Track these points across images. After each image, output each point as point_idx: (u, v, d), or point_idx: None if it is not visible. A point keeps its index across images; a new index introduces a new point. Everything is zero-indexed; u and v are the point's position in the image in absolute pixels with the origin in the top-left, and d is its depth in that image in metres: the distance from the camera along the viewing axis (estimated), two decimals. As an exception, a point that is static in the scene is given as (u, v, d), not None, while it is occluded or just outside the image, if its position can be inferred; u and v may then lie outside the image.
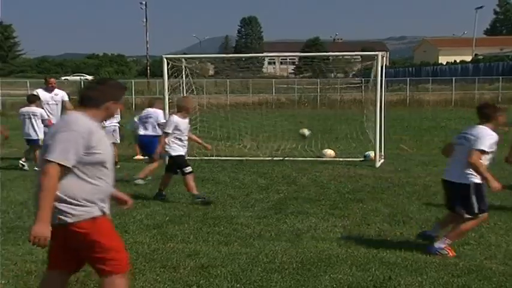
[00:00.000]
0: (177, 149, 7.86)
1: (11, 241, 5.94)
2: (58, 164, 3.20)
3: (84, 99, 3.47)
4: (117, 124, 11.16)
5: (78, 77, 54.04)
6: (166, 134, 7.80)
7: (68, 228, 3.31)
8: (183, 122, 7.86)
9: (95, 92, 3.49)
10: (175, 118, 7.85)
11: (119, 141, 11.25)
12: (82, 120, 3.34)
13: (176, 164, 7.93)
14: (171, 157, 7.98)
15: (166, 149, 7.91)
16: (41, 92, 11.52)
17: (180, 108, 8.00)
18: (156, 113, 10.10)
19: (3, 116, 26.63)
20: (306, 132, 12.42)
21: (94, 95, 3.47)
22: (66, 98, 11.86)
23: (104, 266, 3.41)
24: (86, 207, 3.33)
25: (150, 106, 10.59)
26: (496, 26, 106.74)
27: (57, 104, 11.54)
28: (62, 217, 3.29)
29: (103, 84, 3.58)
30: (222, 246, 5.69)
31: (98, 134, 3.37)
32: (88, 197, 3.35)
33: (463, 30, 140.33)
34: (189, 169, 7.85)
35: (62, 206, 3.28)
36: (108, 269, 3.41)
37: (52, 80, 11.85)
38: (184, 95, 12.73)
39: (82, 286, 4.65)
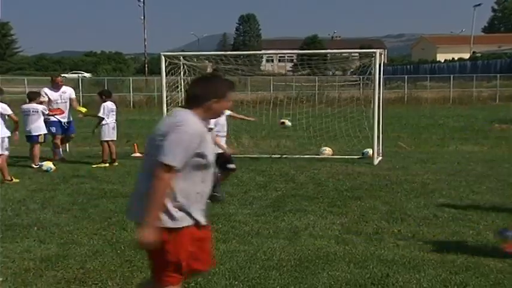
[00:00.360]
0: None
1: (9, 239, 5.94)
2: (170, 166, 3.03)
3: (188, 98, 3.30)
4: (116, 121, 11.16)
5: (76, 75, 53.95)
6: (210, 129, 7.56)
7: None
8: (220, 118, 7.50)
9: (197, 89, 3.28)
10: None
11: (115, 139, 11.23)
12: (193, 120, 3.16)
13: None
14: None
15: None
16: (48, 91, 11.46)
17: None
18: None
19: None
20: (287, 122, 12.22)
21: (196, 93, 3.27)
22: (73, 96, 11.87)
23: (160, 276, 3.27)
24: (180, 216, 3.15)
25: None
26: (494, 24, 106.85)
27: (66, 102, 11.52)
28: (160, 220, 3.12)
29: (205, 81, 3.36)
30: (220, 244, 5.69)
31: (205, 136, 3.20)
32: (187, 203, 3.16)
33: (461, 27, 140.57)
34: (231, 166, 7.73)
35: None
36: (161, 279, 3.26)
37: (59, 78, 11.80)
38: (182, 92, 12.72)
39: (80, 284, 4.64)
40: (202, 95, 3.24)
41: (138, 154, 12.46)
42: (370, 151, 11.61)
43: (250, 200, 7.81)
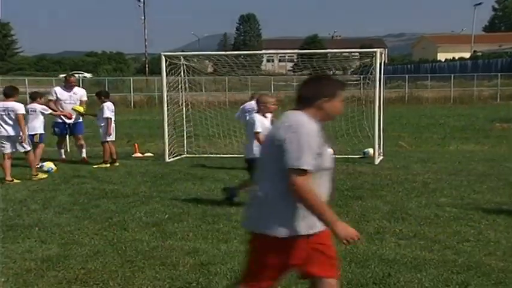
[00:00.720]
0: (255, 150, 7.10)
1: (10, 239, 5.94)
2: (303, 170, 2.90)
3: (298, 98, 3.18)
4: (114, 121, 11.14)
5: (77, 75, 53.90)
6: (257, 134, 7.22)
7: (264, 238, 3.03)
8: (265, 121, 7.34)
9: (307, 89, 3.18)
10: (259, 116, 7.35)
11: (114, 139, 11.19)
12: (306, 120, 3.03)
13: (252, 166, 7.15)
14: (246, 160, 7.41)
15: (246, 150, 7.45)
16: (58, 90, 11.52)
17: (258, 106, 7.50)
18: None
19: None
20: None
21: (306, 93, 3.16)
22: (84, 98, 11.76)
23: (243, 278, 3.21)
24: (294, 221, 3.00)
25: (252, 99, 10.84)
26: (494, 23, 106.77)
27: (75, 103, 11.45)
28: (266, 226, 3.01)
29: (315, 80, 3.25)
30: (221, 244, 5.69)
31: (320, 137, 3.03)
32: (297, 208, 2.99)
33: (461, 27, 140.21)
34: None
35: (269, 214, 3.00)
36: (243, 282, 3.21)
37: (72, 79, 11.79)
38: (183, 92, 12.73)
39: (81, 284, 4.64)
40: (312, 94, 3.14)
41: (138, 154, 12.47)
42: (371, 151, 11.60)
43: (251, 200, 7.78)
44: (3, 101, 9.52)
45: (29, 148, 9.62)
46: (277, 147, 2.98)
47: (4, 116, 9.25)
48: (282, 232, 2.99)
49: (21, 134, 9.33)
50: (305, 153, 2.91)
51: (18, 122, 9.27)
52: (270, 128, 7.29)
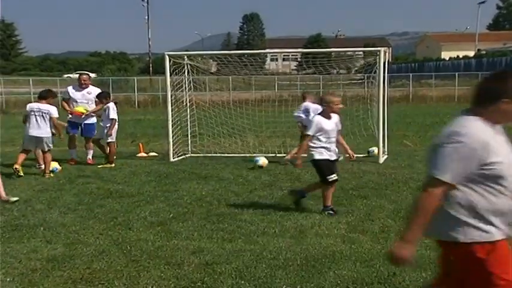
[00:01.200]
0: (322, 152, 6.87)
1: (15, 239, 5.96)
2: (441, 181, 2.71)
3: (474, 96, 2.82)
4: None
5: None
6: (306, 136, 6.94)
7: (455, 248, 2.80)
8: (327, 123, 6.87)
9: (486, 86, 2.81)
10: (318, 118, 6.91)
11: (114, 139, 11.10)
12: (474, 128, 2.70)
13: (318, 168, 6.97)
14: (313, 160, 6.96)
15: (310, 151, 6.93)
16: (70, 90, 11.36)
17: (322, 106, 7.21)
18: (309, 106, 10.74)
19: (6, 114, 26.71)
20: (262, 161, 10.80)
21: (484, 91, 2.79)
22: None
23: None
24: (479, 228, 2.74)
25: (304, 100, 11.19)
26: (498, 21, 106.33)
27: (87, 103, 11.21)
28: (452, 234, 2.78)
29: (498, 77, 2.81)
30: (226, 243, 5.69)
31: (494, 143, 2.71)
32: (483, 215, 2.73)
33: (465, 25, 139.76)
34: (332, 177, 6.89)
35: (451, 223, 2.77)
36: None
37: (83, 77, 11.47)
38: (187, 92, 12.73)
39: (87, 283, 4.65)
40: (491, 93, 2.75)
41: (143, 154, 12.49)
42: (375, 150, 11.59)
43: (255, 199, 7.81)
44: (38, 102, 9.88)
45: (51, 147, 9.87)
46: (433, 150, 2.83)
47: (37, 117, 9.59)
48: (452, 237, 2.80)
49: (46, 135, 9.65)
50: (450, 164, 2.70)
51: (53, 124, 9.69)
52: (335, 129, 6.93)
